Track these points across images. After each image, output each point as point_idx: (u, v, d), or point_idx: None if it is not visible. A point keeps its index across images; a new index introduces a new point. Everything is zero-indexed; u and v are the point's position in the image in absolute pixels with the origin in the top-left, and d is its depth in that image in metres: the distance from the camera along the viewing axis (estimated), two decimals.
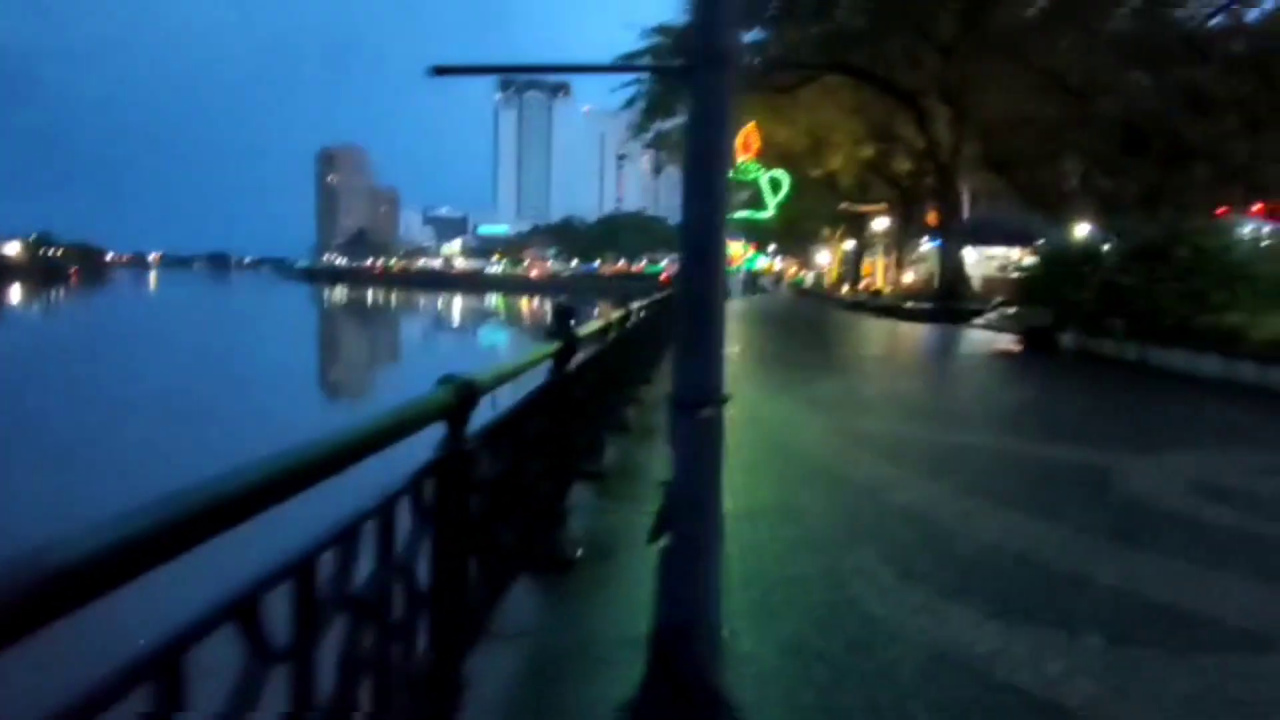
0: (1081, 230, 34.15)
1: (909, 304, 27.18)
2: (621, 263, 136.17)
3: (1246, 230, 14.27)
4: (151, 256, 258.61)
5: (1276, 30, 17.91)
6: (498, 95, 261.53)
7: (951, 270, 26.18)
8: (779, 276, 75.96)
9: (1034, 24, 29.00)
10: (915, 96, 26.62)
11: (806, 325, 23.65)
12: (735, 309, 31.50)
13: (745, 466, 5.40)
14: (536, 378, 3.59)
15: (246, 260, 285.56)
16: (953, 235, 26.32)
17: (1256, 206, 16.05)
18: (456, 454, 2.00)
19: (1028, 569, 3.66)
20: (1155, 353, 12.15)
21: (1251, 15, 24.42)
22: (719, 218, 2.16)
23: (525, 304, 74.89)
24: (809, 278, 70.20)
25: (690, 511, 2.25)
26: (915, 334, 20.28)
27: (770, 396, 8.98)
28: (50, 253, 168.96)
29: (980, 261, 30.30)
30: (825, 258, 67.16)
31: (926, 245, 32.96)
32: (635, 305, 8.75)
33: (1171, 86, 18.15)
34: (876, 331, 21.03)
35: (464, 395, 1.97)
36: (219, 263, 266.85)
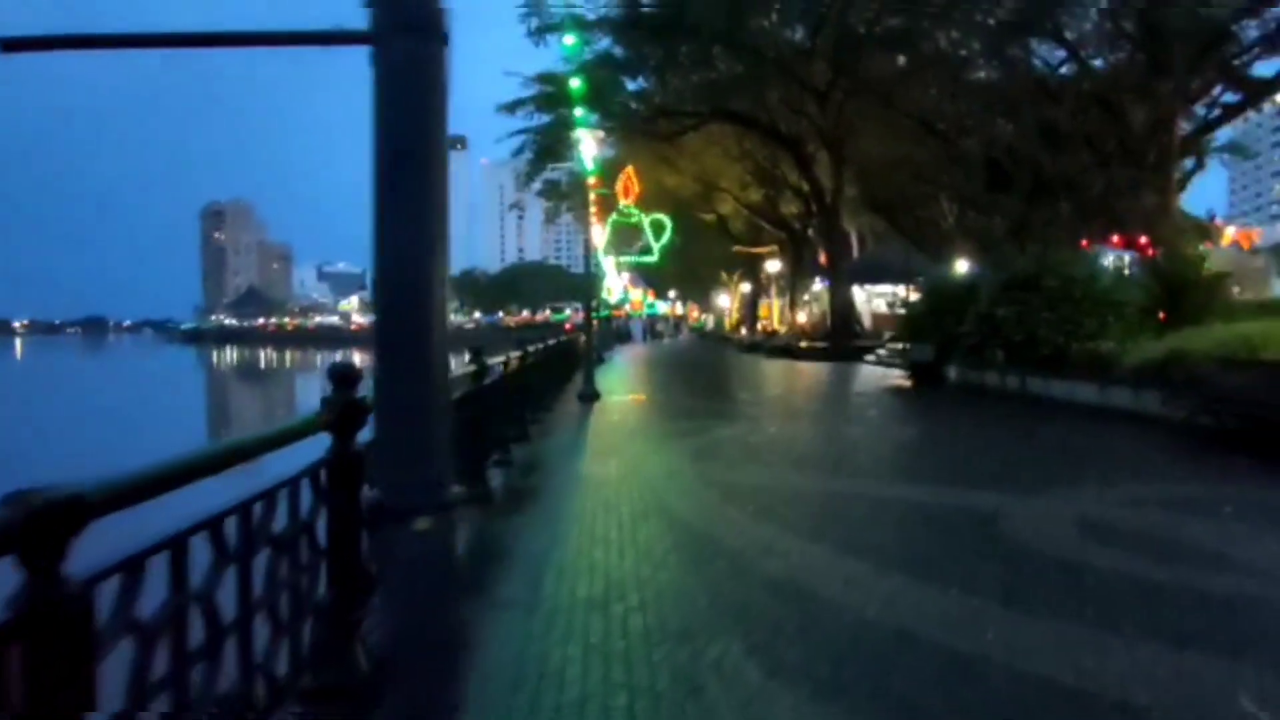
0: (961, 267, 35.73)
1: (803, 343, 27.47)
2: (525, 313, 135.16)
3: (1108, 260, 14.87)
4: (18, 324, 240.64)
5: (1120, 73, 19.13)
6: None
7: (842, 309, 26.65)
8: (679, 322, 76.67)
9: (901, 73, 30.47)
10: (797, 142, 27.29)
11: (703, 369, 23.45)
12: (634, 355, 31.21)
13: (607, 540, 4.78)
14: None
15: (126, 324, 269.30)
16: (841, 275, 26.88)
17: (1115, 238, 16.91)
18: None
19: (911, 650, 3.16)
20: (1035, 381, 12.32)
21: (1097, 62, 26.39)
22: (436, 247, 1.57)
23: None
24: (709, 321, 71.14)
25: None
26: (809, 373, 20.31)
27: (654, 449, 8.44)
28: None
29: (869, 300, 31.09)
30: (725, 301, 68.40)
31: (818, 285, 33.64)
32: (505, 358, 8.13)
33: (1028, 125, 19.07)
34: (772, 372, 20.96)
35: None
36: (95, 327, 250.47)
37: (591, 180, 13.87)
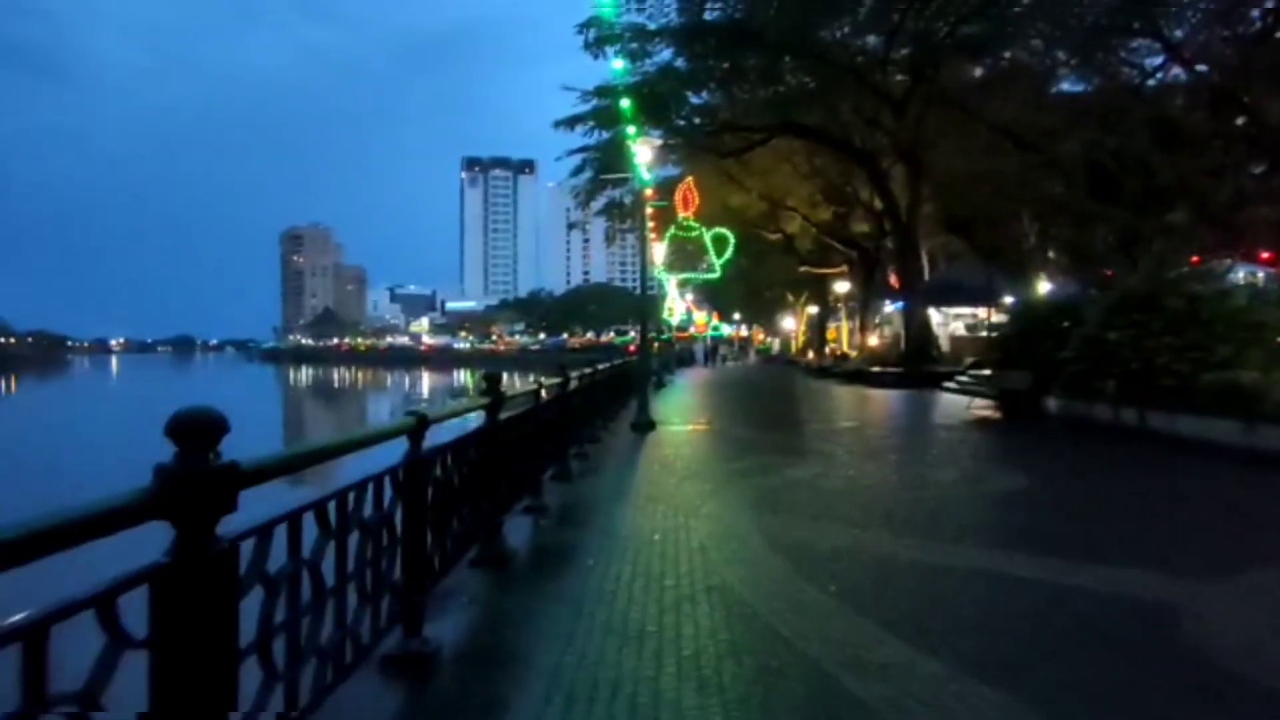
0: (1047, 286, 33.41)
1: (875, 368, 25.80)
2: (589, 335, 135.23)
3: (1240, 276, 13.05)
4: (115, 342, 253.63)
5: (1250, 59, 16.90)
6: (463, 174, 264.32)
7: (918, 332, 24.94)
8: (744, 345, 75.03)
9: (982, 82, 28.73)
10: (871, 156, 25.83)
11: (769, 396, 22.05)
12: (696, 379, 29.97)
13: (642, 635, 3.61)
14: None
15: (212, 343, 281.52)
16: (916, 296, 25.18)
17: (1261, 253, 14.72)
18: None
19: None
20: (1156, 416, 10.64)
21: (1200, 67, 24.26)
22: None
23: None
24: (775, 345, 69.35)
25: None
26: (884, 401, 18.76)
27: (713, 494, 7.23)
28: (5, 341, 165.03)
29: (946, 322, 29.21)
30: (791, 324, 66.53)
31: (890, 307, 31.87)
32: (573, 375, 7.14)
33: (1137, 127, 17.23)
34: (843, 400, 19.47)
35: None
36: (183, 346, 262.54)
37: (648, 191, 12.81)
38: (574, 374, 8.60)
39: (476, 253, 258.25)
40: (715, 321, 68.89)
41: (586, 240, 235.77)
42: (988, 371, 20.93)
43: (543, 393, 6.71)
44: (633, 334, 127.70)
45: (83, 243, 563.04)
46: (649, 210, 12.78)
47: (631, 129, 12.16)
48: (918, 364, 23.95)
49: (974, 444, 10.82)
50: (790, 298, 57.76)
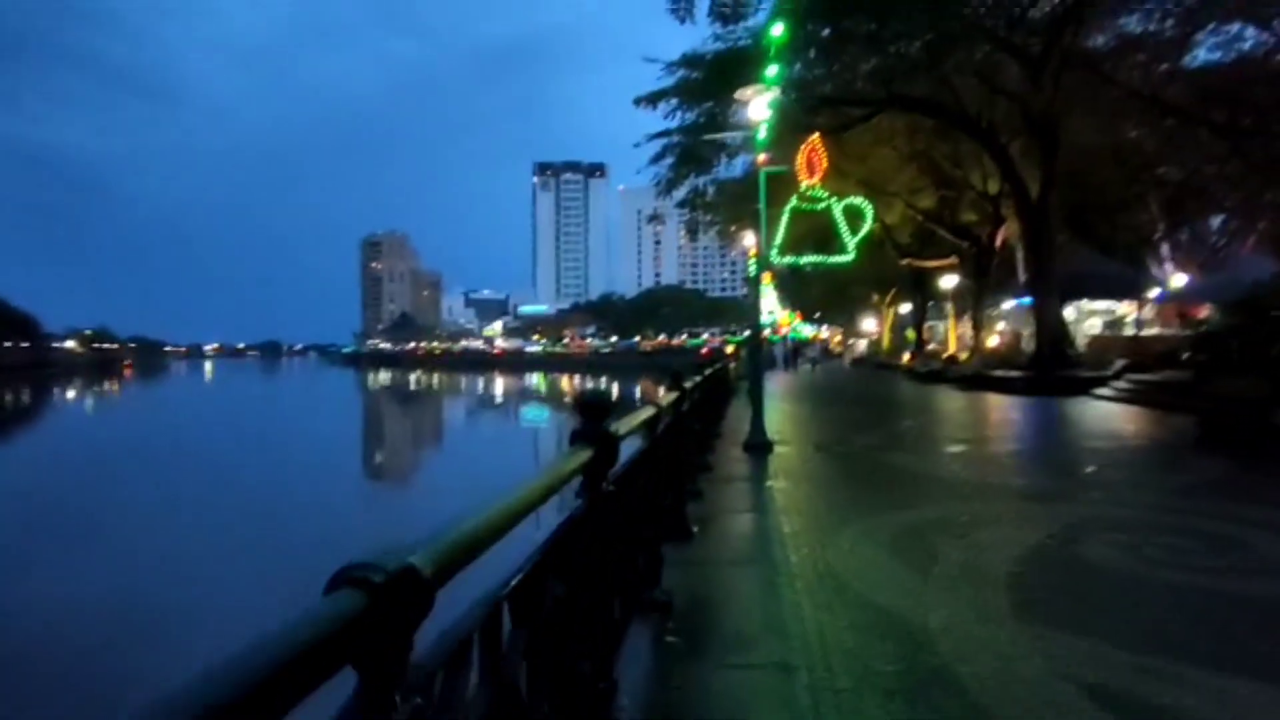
0: (1182, 278, 29.41)
1: (998, 372, 22.63)
2: (661, 337, 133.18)
3: None
4: (209, 347, 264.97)
5: None
6: (535, 178, 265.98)
7: (1052, 330, 21.65)
8: (825, 346, 71.52)
9: (1116, 47, 25.20)
10: (992, 130, 22.67)
11: (883, 406, 19.20)
12: (784, 386, 27.23)
13: None
14: None
15: (297, 347, 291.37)
16: (1050, 289, 21.89)
17: None
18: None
19: None
20: None
21: None
22: None
23: (566, 383, 71.50)
24: (860, 346, 65.75)
25: None
26: (1022, 412, 15.77)
27: (913, 566, 4.75)
28: (108, 347, 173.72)
29: (1079, 319, 25.74)
30: (872, 324, 62.69)
31: (1010, 304, 28.46)
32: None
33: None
34: (979, 412, 16.56)
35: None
36: (270, 351, 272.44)
37: (761, 157, 10.33)
38: (689, 383, 6.20)
39: (549, 257, 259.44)
40: (797, 321, 65.62)
41: (658, 242, 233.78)
42: (1150, 377, 17.68)
43: (661, 419, 4.34)
44: (705, 337, 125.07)
45: (179, 253, 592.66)
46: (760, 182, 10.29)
47: (772, 69, 9.70)
48: (1052, 367, 20.72)
49: (1191, 482, 7.93)
50: (875, 296, 54.19)
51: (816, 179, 10.19)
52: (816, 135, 10.75)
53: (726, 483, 8.03)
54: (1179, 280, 29.08)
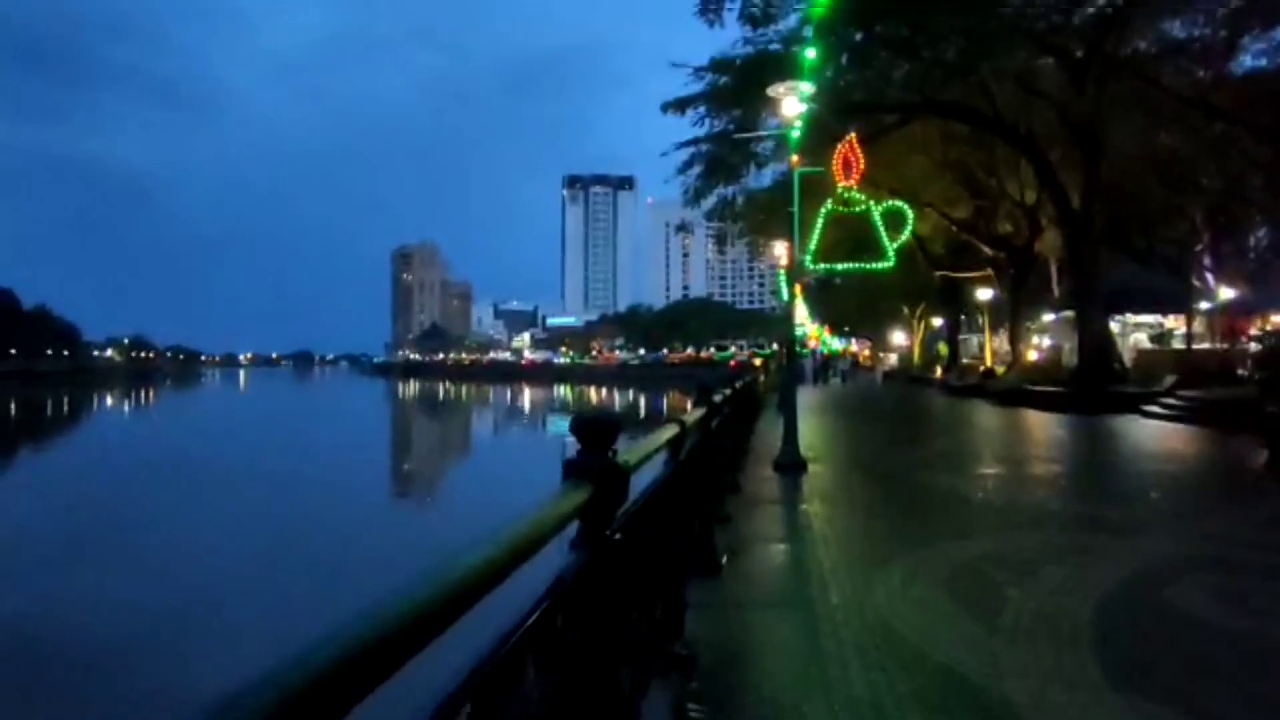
0: (1230, 292, 28.22)
1: (1039, 387, 21.71)
2: (689, 350, 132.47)
3: None
4: (243, 356, 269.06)
5: None
6: (564, 190, 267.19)
7: (1096, 344, 20.70)
8: (855, 360, 70.37)
9: (1158, 53, 24.30)
10: (1031, 138, 21.85)
11: (919, 422, 18.42)
12: (813, 400, 26.46)
13: None
14: None
15: (329, 357, 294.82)
16: (1095, 301, 20.96)
17: None
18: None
19: None
20: None
21: None
22: None
23: (594, 395, 71.13)
24: (889, 360, 64.62)
25: None
26: (1069, 430, 14.94)
27: (985, 608, 4.11)
28: (146, 355, 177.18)
29: (1124, 333, 24.73)
30: (902, 338, 61.48)
31: (1049, 316, 27.49)
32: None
33: None
34: (1021, 429, 15.75)
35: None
36: (303, 360, 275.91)
37: (794, 157, 9.74)
38: (718, 396, 5.62)
39: (577, 269, 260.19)
40: (826, 334, 64.63)
41: (686, 255, 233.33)
42: (1242, 394, 16.73)
43: (684, 443, 3.76)
44: (733, 349, 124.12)
45: (217, 263, 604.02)
46: (795, 184, 9.68)
47: (812, 52, 9.15)
48: (1097, 382, 19.79)
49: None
50: (905, 309, 53.12)
51: (854, 180, 9.57)
52: (853, 134, 10.14)
53: (757, 506, 7.41)
54: (1226, 293, 27.95)
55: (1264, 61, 24.99)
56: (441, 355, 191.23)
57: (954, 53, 20.95)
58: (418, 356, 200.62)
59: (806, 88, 9.43)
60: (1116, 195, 26.26)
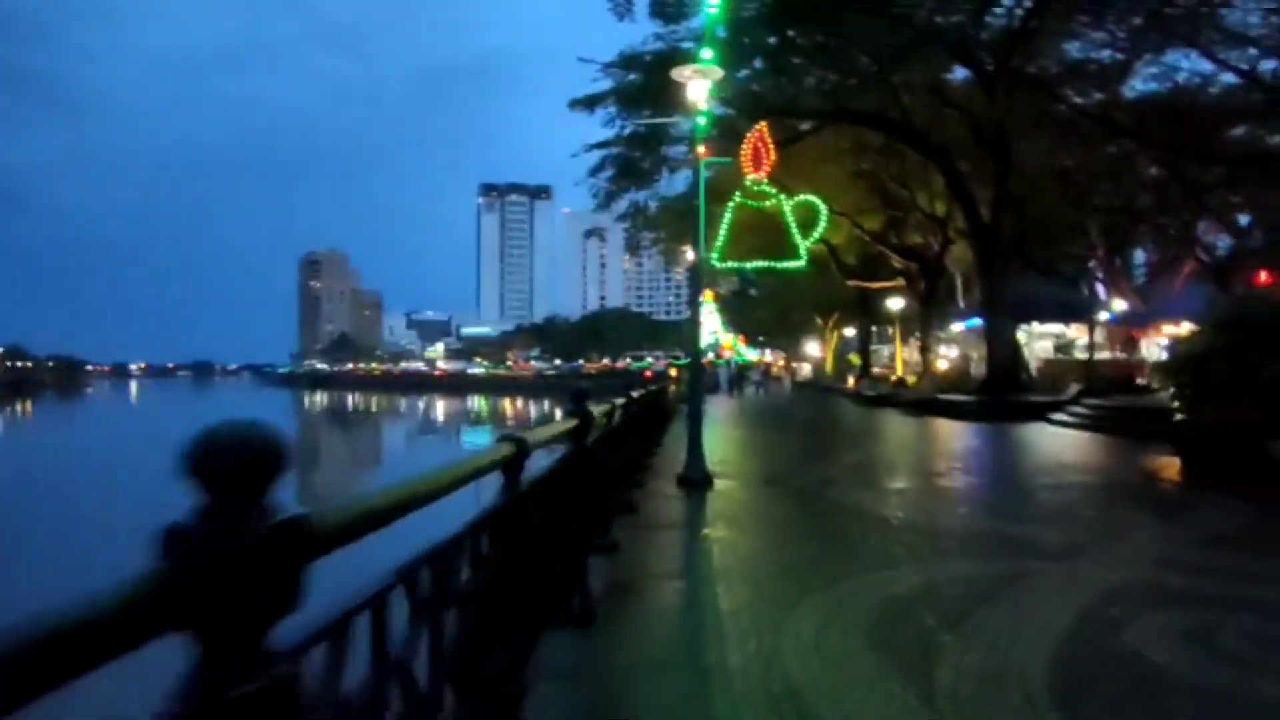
0: (1121, 304, 29.20)
1: (949, 397, 21.66)
2: (606, 360, 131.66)
3: None
4: (135, 366, 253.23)
5: None
6: (480, 199, 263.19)
7: (1005, 354, 20.77)
8: (767, 370, 70.85)
9: (1062, 71, 24.93)
10: (944, 149, 21.86)
11: (832, 433, 17.93)
12: (727, 411, 25.89)
13: None
14: None
15: (231, 367, 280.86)
16: (1003, 311, 21.04)
17: None
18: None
19: None
20: None
21: None
22: None
23: (509, 406, 69.26)
24: (802, 370, 65.26)
25: None
26: (983, 440, 14.65)
27: (789, 603, 3.26)
28: (22, 365, 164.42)
29: (1028, 342, 25.06)
30: (814, 349, 62.15)
31: (958, 326, 27.74)
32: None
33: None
34: (926, 439, 15.40)
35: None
36: (202, 371, 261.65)
37: (700, 148, 8.91)
38: (598, 409, 4.66)
39: (493, 278, 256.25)
40: (741, 345, 64.80)
41: (603, 265, 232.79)
42: (1096, 401, 16.82)
43: (520, 468, 2.74)
44: (649, 360, 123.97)
45: (104, 269, 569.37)
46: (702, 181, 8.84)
47: (707, 52, 8.37)
48: (1005, 391, 19.81)
49: (1203, 535, 6.69)
50: (818, 320, 53.65)
51: (764, 172, 8.80)
52: (764, 123, 9.39)
53: (653, 531, 6.46)
54: (1119, 305, 28.88)
55: (1154, 85, 26.05)
56: (351, 366, 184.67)
57: (868, 60, 20.80)
58: (326, 367, 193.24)
59: (714, 73, 8.63)
60: (1022, 208, 26.81)
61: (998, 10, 19.72)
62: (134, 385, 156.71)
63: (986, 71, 19.52)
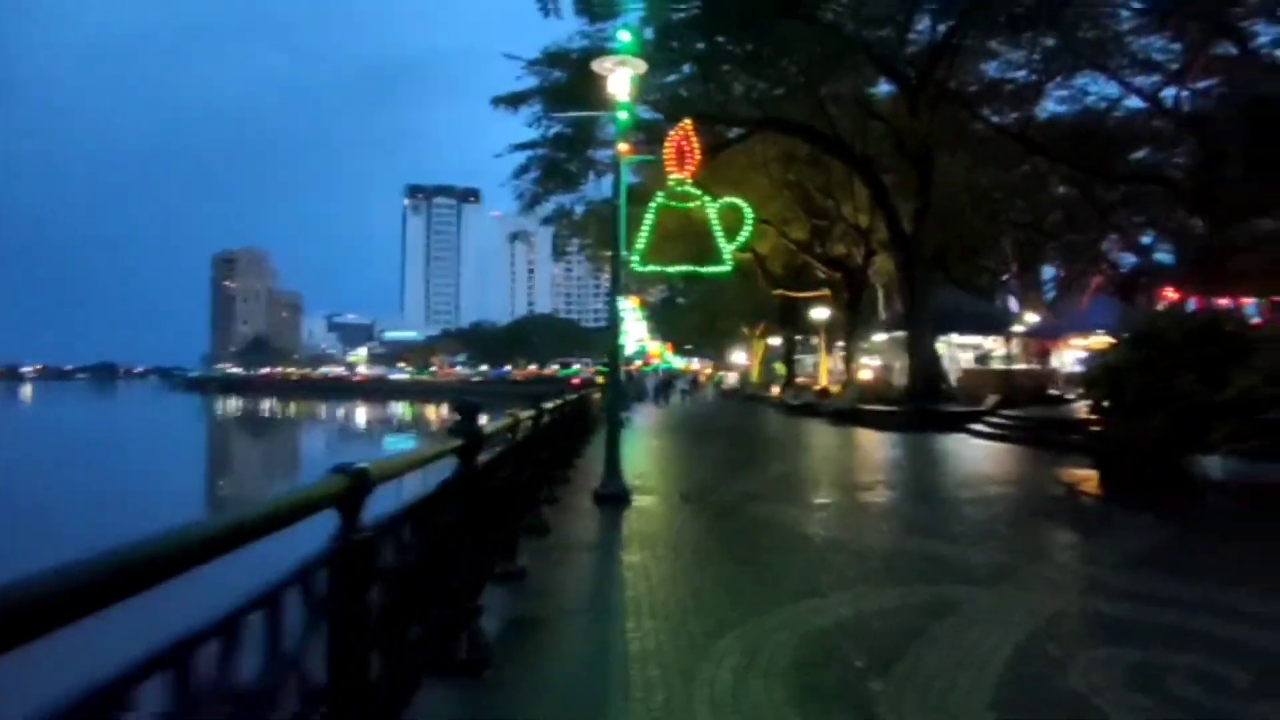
0: (1035, 318, 30.13)
1: (872, 406, 21.80)
2: (533, 367, 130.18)
3: None
4: (29, 368, 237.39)
5: None
6: (406, 201, 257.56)
7: (926, 364, 21.02)
8: (695, 378, 71.08)
9: (980, 90, 25.65)
10: (869, 160, 22.05)
11: (757, 444, 17.72)
12: (654, 419, 25.57)
13: None
14: None
15: (138, 370, 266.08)
16: (924, 322, 21.30)
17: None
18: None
19: None
20: None
21: None
22: None
23: (433, 412, 67.35)
24: (728, 379, 65.65)
25: None
26: (906, 451, 14.63)
27: (706, 642, 2.83)
28: None
29: (950, 353, 25.51)
30: (741, 357, 62.65)
31: (881, 336, 28.09)
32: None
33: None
34: (850, 450, 15.32)
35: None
36: (105, 374, 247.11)
37: (622, 145, 8.46)
38: (490, 426, 4.13)
39: (418, 282, 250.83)
40: (668, 353, 64.80)
41: (531, 270, 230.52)
42: (1012, 413, 17.10)
43: (358, 507, 2.20)
44: (577, 366, 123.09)
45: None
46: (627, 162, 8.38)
47: (625, 35, 7.92)
48: (926, 401, 20.01)
49: (1118, 550, 6.58)
50: (745, 329, 54.03)
51: (688, 172, 8.40)
52: (689, 121, 8.99)
53: (563, 554, 5.95)
54: (1031, 318, 29.80)
55: (1065, 107, 27.04)
56: (267, 370, 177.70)
57: (796, 71, 20.82)
58: (240, 370, 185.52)
59: (637, 64, 8.19)
60: (942, 222, 27.39)
61: (921, 27, 20.03)
62: (28, 389, 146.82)
63: (911, 85, 19.74)
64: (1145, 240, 31.84)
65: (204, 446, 41.36)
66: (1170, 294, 19.10)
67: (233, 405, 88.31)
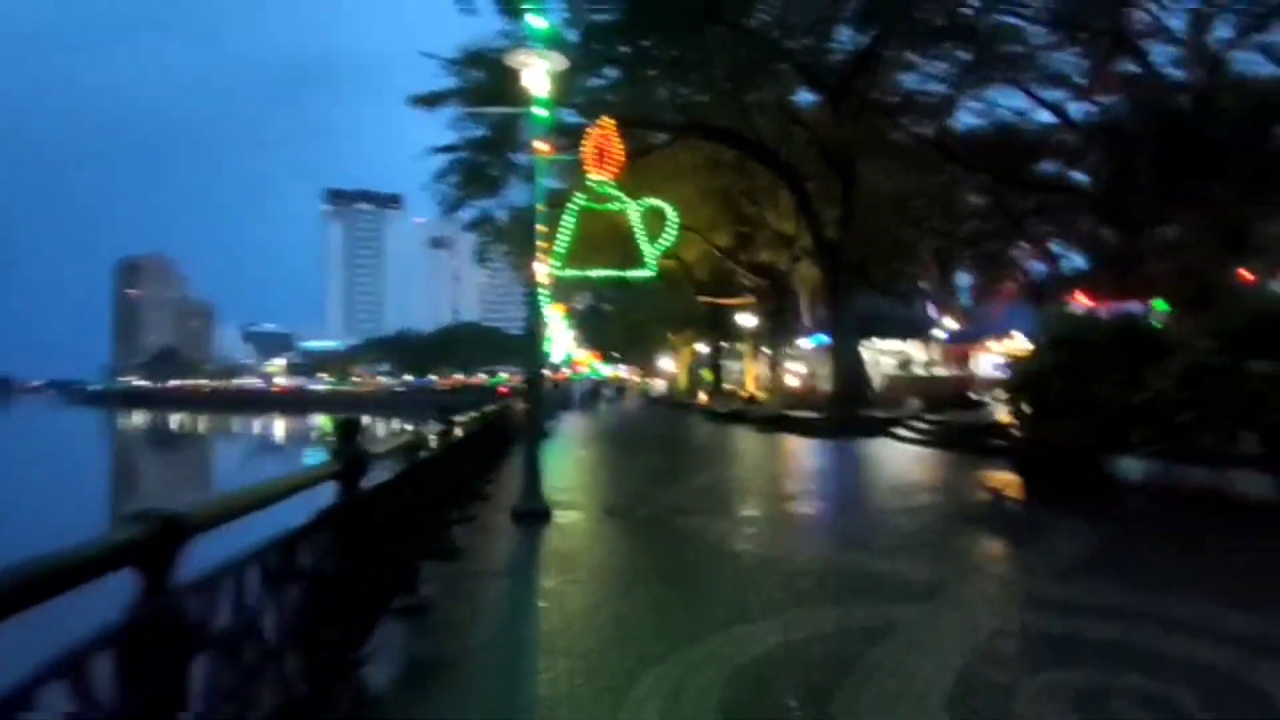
0: (954, 325, 30.94)
1: (798, 413, 21.86)
2: (459, 375, 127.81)
3: None
4: None
5: None
6: (325, 206, 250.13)
7: (850, 370, 21.20)
8: (621, 386, 70.85)
9: (899, 101, 26.13)
10: (793, 167, 22.17)
11: (684, 452, 17.47)
12: (580, 428, 25.11)
13: None
14: None
15: (35, 384, 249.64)
16: (848, 329, 21.49)
17: None
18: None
19: None
20: None
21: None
22: None
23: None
24: (656, 386, 65.65)
25: None
26: (832, 458, 14.61)
27: (622, 690, 2.47)
28: None
29: (874, 360, 25.86)
30: (668, 364, 62.79)
31: (806, 343, 28.32)
32: None
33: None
34: (777, 458, 15.23)
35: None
36: None
37: (540, 143, 8.04)
38: (381, 445, 3.65)
39: (338, 290, 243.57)
40: (595, 361, 64.41)
41: (456, 278, 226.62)
42: (938, 418, 17.33)
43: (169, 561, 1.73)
44: (504, 375, 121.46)
45: None
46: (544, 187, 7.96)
47: (537, 20, 7.52)
48: (851, 407, 20.15)
49: (1042, 558, 6.52)
50: (671, 336, 54.10)
51: (609, 172, 8.05)
52: (610, 120, 8.64)
53: (475, 581, 5.47)
54: (949, 323, 30.60)
55: (979, 120, 27.91)
56: (176, 382, 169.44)
57: (721, 76, 20.77)
58: (146, 383, 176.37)
59: (555, 58, 7.80)
60: (863, 229, 27.85)
61: (843, 37, 20.24)
62: None
63: (833, 94, 19.91)
64: (1054, 248, 33.08)
65: (88, 468, 36.76)
66: (1082, 299, 19.75)
67: (136, 420, 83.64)
